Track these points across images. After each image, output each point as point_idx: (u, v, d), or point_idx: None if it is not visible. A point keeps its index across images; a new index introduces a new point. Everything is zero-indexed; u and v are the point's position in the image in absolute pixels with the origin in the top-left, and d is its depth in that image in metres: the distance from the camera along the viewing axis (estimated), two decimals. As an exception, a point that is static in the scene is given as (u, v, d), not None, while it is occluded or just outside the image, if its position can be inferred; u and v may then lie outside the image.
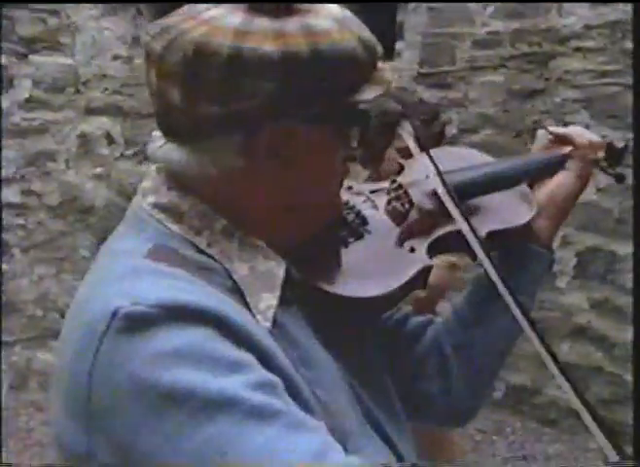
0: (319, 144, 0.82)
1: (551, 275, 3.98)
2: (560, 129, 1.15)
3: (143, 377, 0.68)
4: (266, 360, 0.74)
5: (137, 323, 0.70)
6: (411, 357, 1.07)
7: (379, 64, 0.85)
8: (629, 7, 3.64)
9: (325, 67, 0.77)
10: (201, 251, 0.80)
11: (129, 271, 0.76)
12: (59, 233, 4.76)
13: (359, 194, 1.03)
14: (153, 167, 0.87)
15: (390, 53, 4.30)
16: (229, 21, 0.77)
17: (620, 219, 3.77)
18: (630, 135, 3.71)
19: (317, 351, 0.85)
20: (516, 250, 1.09)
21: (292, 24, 0.77)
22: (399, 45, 4.26)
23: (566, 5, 3.88)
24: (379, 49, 0.85)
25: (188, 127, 0.79)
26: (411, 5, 4.19)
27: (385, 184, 1.06)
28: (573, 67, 3.86)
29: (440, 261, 1.71)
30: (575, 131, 1.13)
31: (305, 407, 0.75)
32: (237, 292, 0.80)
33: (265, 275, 0.81)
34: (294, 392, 0.75)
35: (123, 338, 0.70)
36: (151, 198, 0.84)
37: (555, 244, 4.20)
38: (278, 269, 0.82)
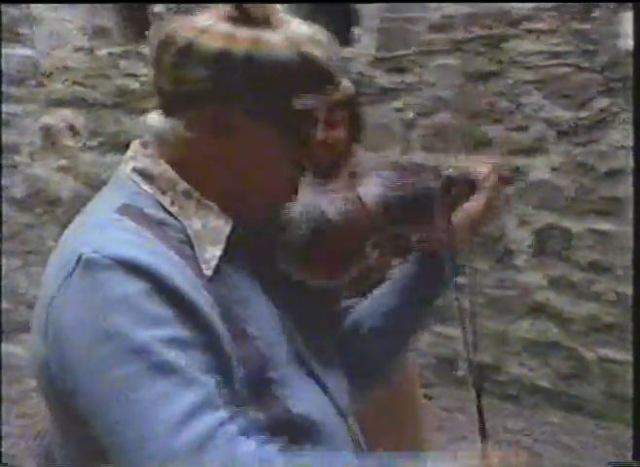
0: (258, 134, 0.97)
1: (509, 254, 4.06)
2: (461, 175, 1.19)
3: (86, 316, 0.86)
4: (191, 314, 0.89)
5: (92, 268, 0.87)
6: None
7: (335, 79, 0.99)
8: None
9: (257, 70, 0.94)
10: (165, 210, 0.97)
11: (99, 224, 0.93)
12: (26, 225, 4.77)
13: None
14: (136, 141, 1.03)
15: (347, 39, 4.34)
16: (201, 23, 0.96)
17: (574, 197, 3.84)
18: (583, 114, 3.78)
19: (257, 295, 1.00)
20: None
21: (244, 32, 0.95)
22: (356, 30, 4.29)
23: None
24: (331, 65, 0.97)
25: (162, 103, 0.98)
26: (367, -10, 4.21)
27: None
28: (525, 49, 3.90)
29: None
30: (476, 176, 1.19)
31: (228, 360, 0.90)
32: (189, 244, 0.96)
33: (213, 231, 0.97)
34: (216, 344, 0.90)
35: (79, 278, 0.88)
36: (131, 164, 1.00)
37: (513, 223, 4.27)
38: (226, 226, 0.98)
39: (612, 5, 3.68)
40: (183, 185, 0.97)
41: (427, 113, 4.16)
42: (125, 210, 0.93)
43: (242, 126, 0.96)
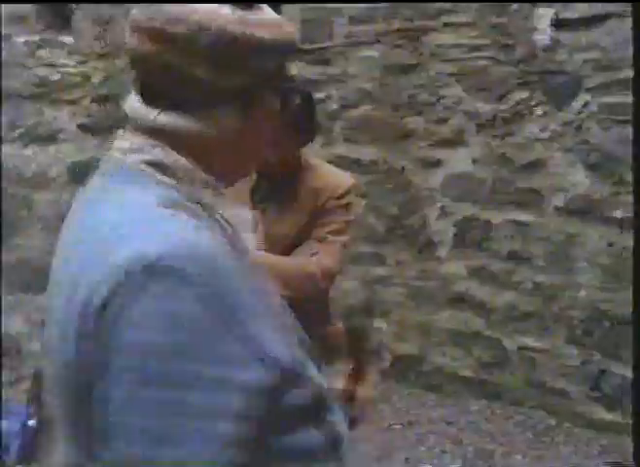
0: (270, 112, 1.00)
1: (431, 246, 4.10)
2: None
3: (167, 329, 0.80)
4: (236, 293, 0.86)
5: (169, 275, 0.80)
6: None
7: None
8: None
9: (280, 52, 0.97)
10: (191, 201, 0.93)
11: (151, 219, 0.86)
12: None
13: None
14: (122, 131, 0.98)
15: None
16: (230, 12, 0.93)
17: (493, 189, 3.89)
18: (501, 106, 3.83)
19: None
20: None
21: (263, 18, 0.95)
22: (279, 21, 4.26)
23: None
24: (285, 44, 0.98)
25: (200, 98, 0.93)
26: (290, -19, 4.19)
27: None
28: (444, 42, 3.94)
29: None
30: None
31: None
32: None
33: (241, 219, 1.06)
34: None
35: (155, 286, 0.80)
36: (137, 156, 0.94)
37: (434, 215, 4.29)
38: (247, 213, 1.11)
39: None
40: (200, 174, 0.95)
41: (350, 105, 4.16)
42: (171, 204, 0.88)
43: (266, 108, 0.98)
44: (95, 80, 4.12)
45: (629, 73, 3.43)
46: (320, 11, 4.15)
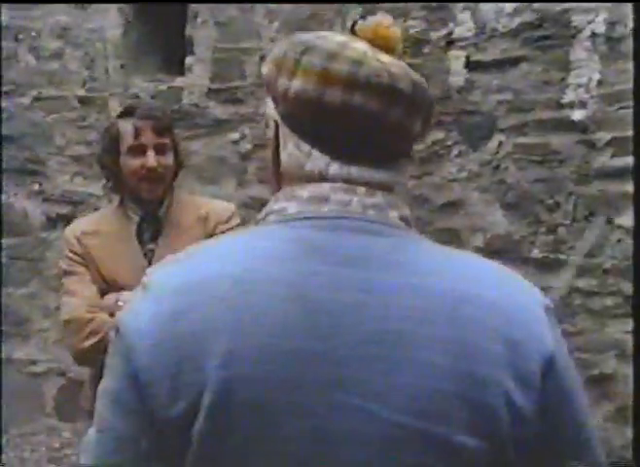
0: None
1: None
2: None
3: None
4: None
5: (553, 314, 0.90)
6: None
7: None
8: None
9: None
10: None
11: (501, 270, 0.93)
12: None
13: None
14: (360, 189, 0.90)
15: (181, 69, 4.18)
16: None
17: (411, 230, 3.85)
18: (418, 147, 3.81)
19: None
20: None
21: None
22: (189, 60, 4.14)
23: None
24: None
25: (407, 150, 0.94)
26: (200, 19, 4.09)
27: None
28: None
29: None
30: None
31: None
32: None
33: None
34: None
35: (554, 324, 0.89)
36: (394, 213, 0.90)
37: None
38: None
39: (442, 43, 3.76)
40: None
41: (264, 145, 4.06)
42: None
43: None
44: None
45: (542, 114, 3.49)
46: (231, 51, 4.06)
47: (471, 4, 3.63)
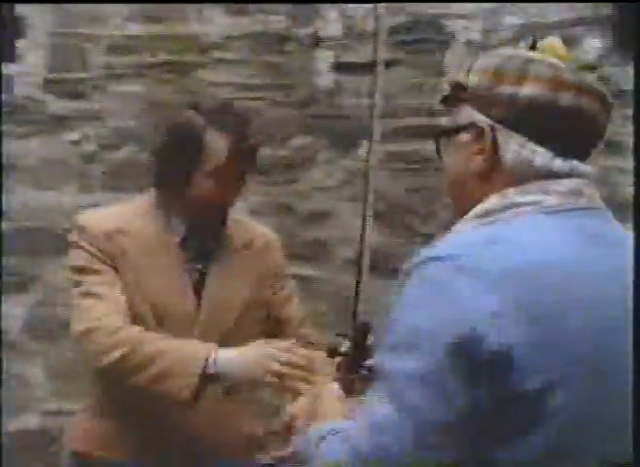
0: None
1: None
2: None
3: None
4: None
5: None
6: None
7: None
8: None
9: None
10: None
11: None
12: None
13: None
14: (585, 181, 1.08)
15: (11, 54, 3.68)
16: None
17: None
18: (282, 152, 3.57)
19: None
20: None
21: None
22: (21, 44, 3.64)
23: (205, 12, 3.62)
24: None
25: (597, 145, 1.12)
26: (31, -2, 3.61)
27: None
28: (215, 79, 3.60)
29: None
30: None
31: None
32: None
33: None
34: None
35: None
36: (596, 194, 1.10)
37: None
38: None
39: (306, 41, 3.55)
40: None
41: (110, 146, 3.65)
42: None
43: None
44: None
45: (413, 121, 3.37)
46: (71, 37, 3.61)
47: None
